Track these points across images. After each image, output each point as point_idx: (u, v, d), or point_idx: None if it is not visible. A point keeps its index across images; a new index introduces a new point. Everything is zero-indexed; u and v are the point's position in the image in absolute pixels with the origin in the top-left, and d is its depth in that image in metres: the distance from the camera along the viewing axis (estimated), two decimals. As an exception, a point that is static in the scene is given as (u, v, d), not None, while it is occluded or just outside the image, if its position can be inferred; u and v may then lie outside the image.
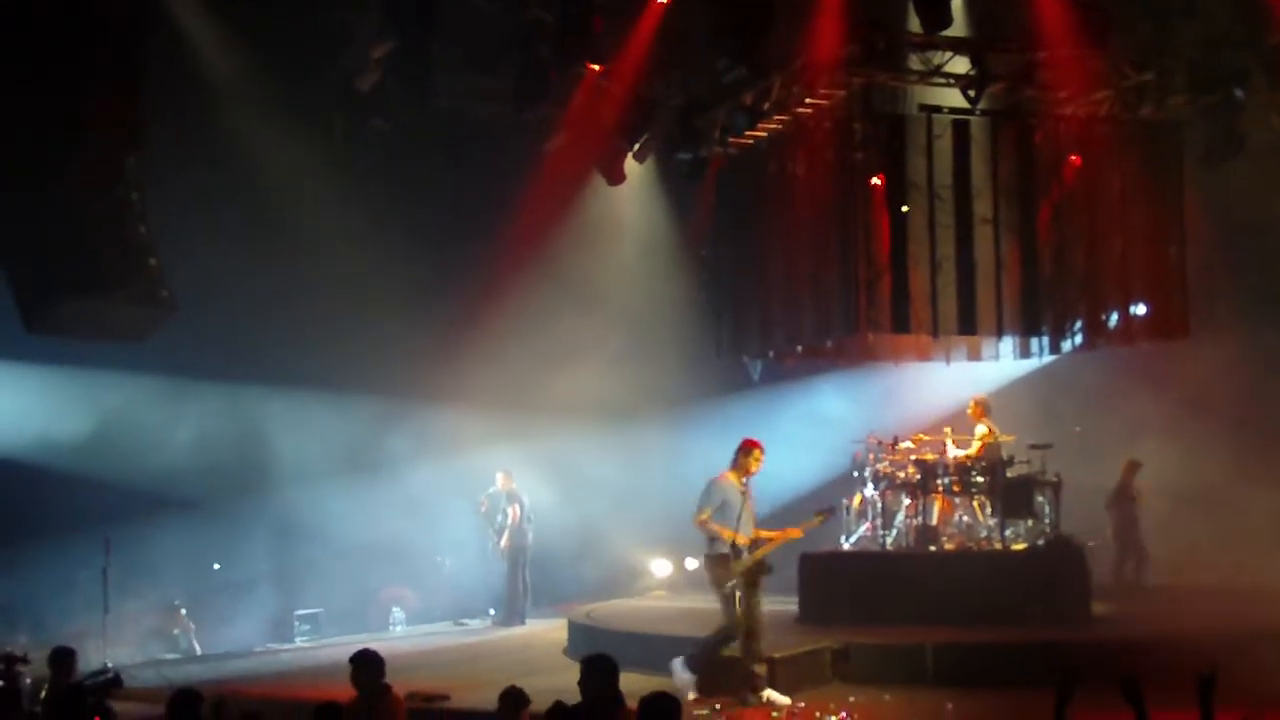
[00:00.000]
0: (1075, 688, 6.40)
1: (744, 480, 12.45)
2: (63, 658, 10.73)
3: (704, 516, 12.31)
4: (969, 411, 17.03)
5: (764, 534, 12.53)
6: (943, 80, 16.02)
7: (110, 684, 10.24)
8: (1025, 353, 17.70)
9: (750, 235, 17.95)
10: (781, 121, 16.86)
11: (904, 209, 15.72)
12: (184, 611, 18.23)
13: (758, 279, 17.74)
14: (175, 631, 18.12)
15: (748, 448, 12.55)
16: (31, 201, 13.88)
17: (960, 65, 15.86)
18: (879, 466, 16.52)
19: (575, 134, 18.79)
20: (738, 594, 12.14)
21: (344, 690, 9.37)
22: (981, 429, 16.72)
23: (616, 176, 19.11)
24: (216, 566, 19.05)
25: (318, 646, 17.96)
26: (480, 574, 20.36)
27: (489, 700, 8.85)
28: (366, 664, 9.31)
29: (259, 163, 17.85)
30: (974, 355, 18.34)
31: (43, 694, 10.71)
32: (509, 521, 19.40)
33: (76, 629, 16.09)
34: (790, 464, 19.69)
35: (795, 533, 12.69)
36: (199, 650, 18.04)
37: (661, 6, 16.22)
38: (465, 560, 20.73)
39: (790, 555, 16.66)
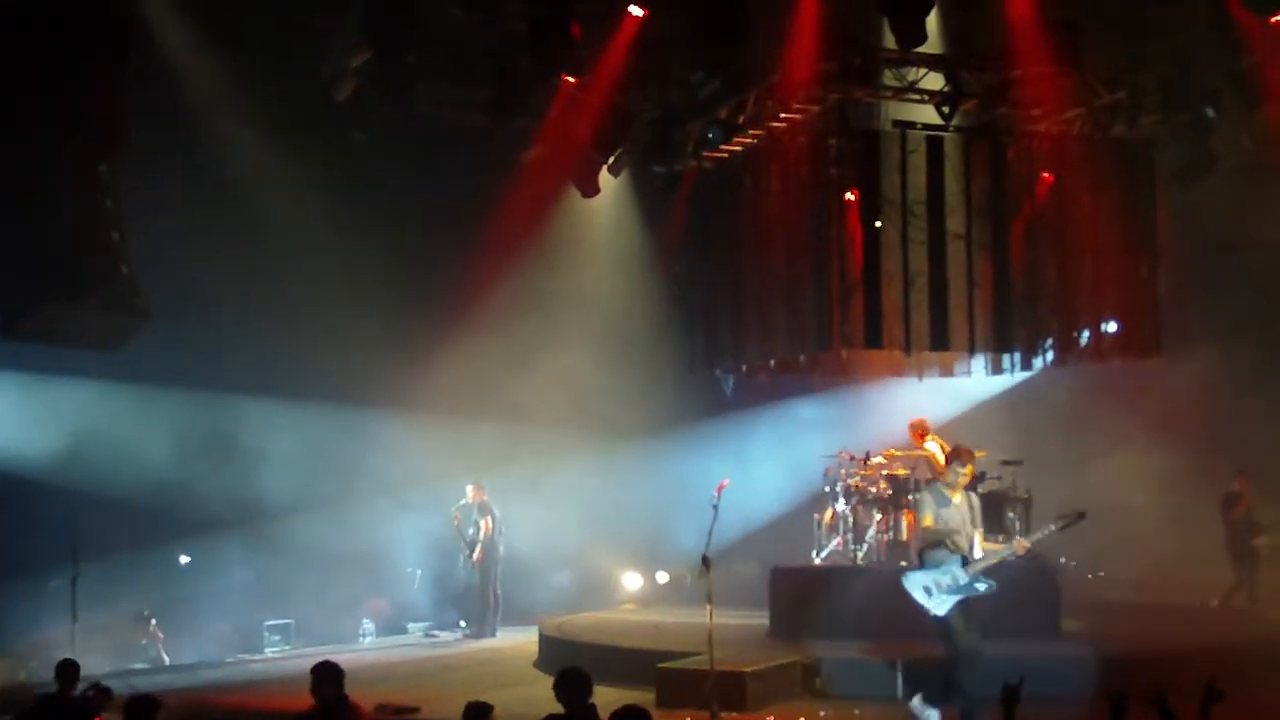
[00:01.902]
0: (1019, 699, 6.50)
1: (961, 490, 11.49)
2: (67, 670, 10.74)
3: (927, 522, 11.42)
4: (910, 436, 16.81)
5: (989, 546, 11.54)
6: (917, 96, 16.09)
7: (102, 695, 10.28)
8: (997, 369, 17.69)
9: (724, 249, 18.00)
10: (756, 136, 16.92)
11: (877, 224, 15.75)
12: (153, 621, 18.10)
13: (731, 293, 17.78)
14: (144, 641, 17.99)
15: (949, 457, 11.81)
16: (4, 207, 13.78)
17: (934, 82, 15.92)
18: (850, 481, 16.54)
19: (551, 146, 18.76)
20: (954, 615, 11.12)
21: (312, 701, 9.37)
22: (934, 447, 16.47)
23: (591, 189, 19.13)
24: (185, 559, 18.88)
25: (288, 657, 17.88)
26: (451, 586, 20.33)
27: (458, 713, 8.84)
28: (326, 676, 9.31)
29: (235, 171, 17.78)
30: (946, 371, 18.37)
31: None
32: (481, 534, 19.37)
33: (44, 638, 15.98)
34: (762, 479, 19.74)
35: (1023, 546, 11.34)
36: (168, 660, 17.92)
37: (638, 20, 16.23)
38: (436, 572, 20.69)
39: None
